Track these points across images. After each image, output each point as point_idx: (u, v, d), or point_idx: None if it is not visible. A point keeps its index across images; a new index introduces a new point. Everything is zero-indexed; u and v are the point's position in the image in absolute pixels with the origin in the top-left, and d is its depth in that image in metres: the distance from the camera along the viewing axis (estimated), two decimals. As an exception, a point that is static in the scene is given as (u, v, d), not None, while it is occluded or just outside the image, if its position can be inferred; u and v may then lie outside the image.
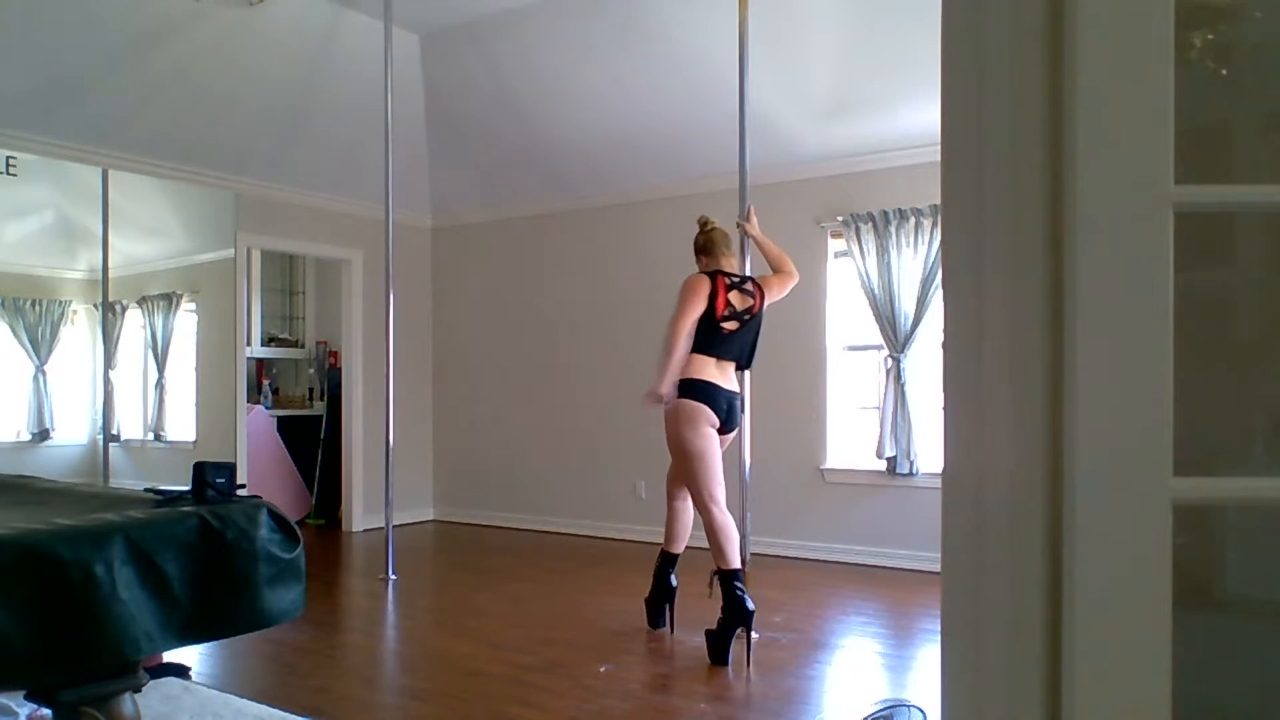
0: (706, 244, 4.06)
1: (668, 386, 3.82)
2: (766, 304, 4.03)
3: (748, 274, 4.12)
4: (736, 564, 3.78)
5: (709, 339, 3.85)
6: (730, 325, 3.87)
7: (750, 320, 3.95)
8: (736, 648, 3.76)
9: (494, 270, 7.33)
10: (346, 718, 3.17)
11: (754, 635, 3.84)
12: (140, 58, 5.04)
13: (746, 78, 4.16)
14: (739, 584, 3.74)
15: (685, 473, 3.89)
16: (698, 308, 3.82)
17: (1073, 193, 0.75)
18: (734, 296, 3.89)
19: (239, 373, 6.37)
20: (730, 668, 3.68)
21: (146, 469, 6.37)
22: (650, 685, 3.45)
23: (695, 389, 3.82)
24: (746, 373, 4.09)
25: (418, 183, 6.95)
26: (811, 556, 5.78)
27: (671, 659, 3.78)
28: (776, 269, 4.17)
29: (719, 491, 3.84)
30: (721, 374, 3.89)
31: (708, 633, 3.80)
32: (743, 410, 4.04)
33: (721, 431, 3.90)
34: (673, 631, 4.14)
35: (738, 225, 4.25)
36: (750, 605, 3.71)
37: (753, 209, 4.26)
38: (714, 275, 3.90)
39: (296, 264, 8.15)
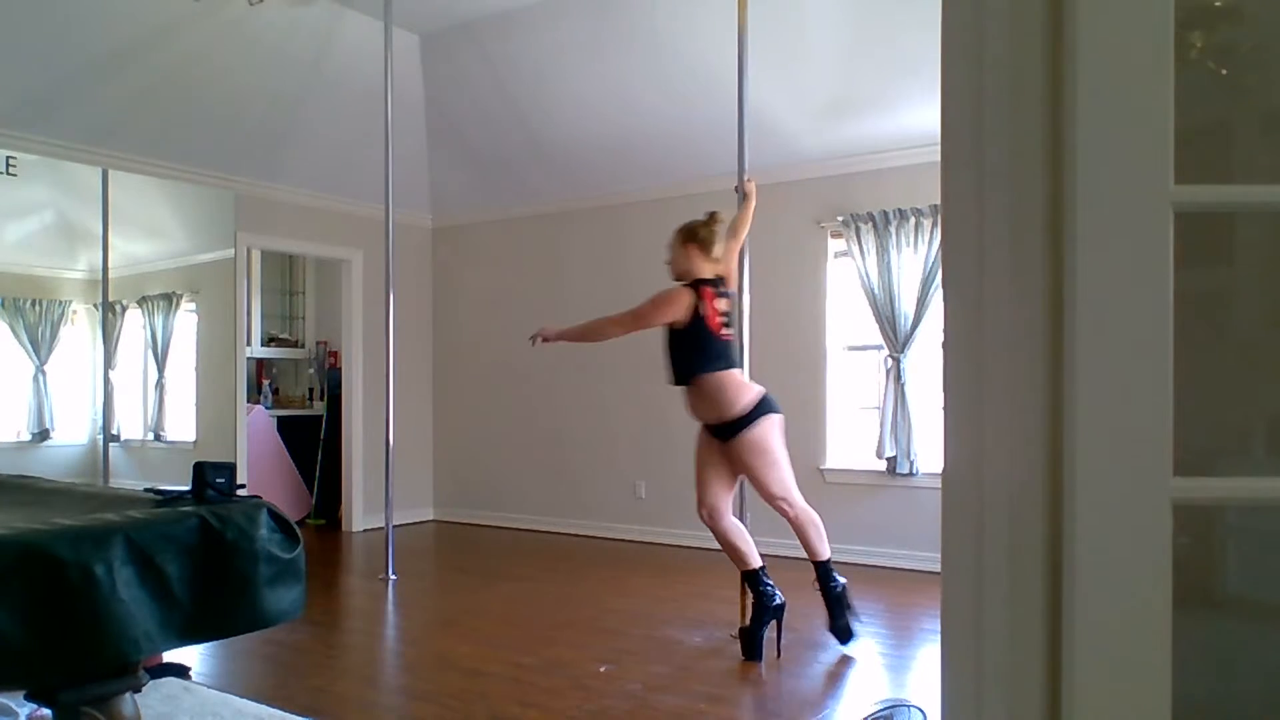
0: (709, 239, 3.82)
1: (557, 336, 3.87)
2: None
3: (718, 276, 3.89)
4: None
5: (727, 355, 3.74)
6: (728, 333, 3.76)
7: (732, 322, 3.85)
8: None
9: (494, 270, 7.32)
10: (346, 718, 3.16)
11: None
12: (140, 58, 5.04)
13: (746, 78, 4.15)
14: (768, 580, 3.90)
15: (772, 479, 3.87)
16: (666, 317, 3.70)
17: (1073, 193, 0.75)
18: (721, 304, 3.75)
19: (239, 373, 6.36)
20: (733, 665, 3.69)
21: (146, 469, 6.37)
22: (650, 685, 3.45)
23: (768, 401, 3.77)
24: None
25: (418, 183, 6.95)
26: (811, 556, 5.77)
27: (671, 659, 3.78)
28: (736, 232, 4.04)
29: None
30: None
31: (741, 630, 3.87)
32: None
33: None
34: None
35: (737, 189, 4.14)
36: (778, 599, 3.86)
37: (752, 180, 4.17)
38: (696, 286, 3.73)
39: (296, 264, 8.15)
